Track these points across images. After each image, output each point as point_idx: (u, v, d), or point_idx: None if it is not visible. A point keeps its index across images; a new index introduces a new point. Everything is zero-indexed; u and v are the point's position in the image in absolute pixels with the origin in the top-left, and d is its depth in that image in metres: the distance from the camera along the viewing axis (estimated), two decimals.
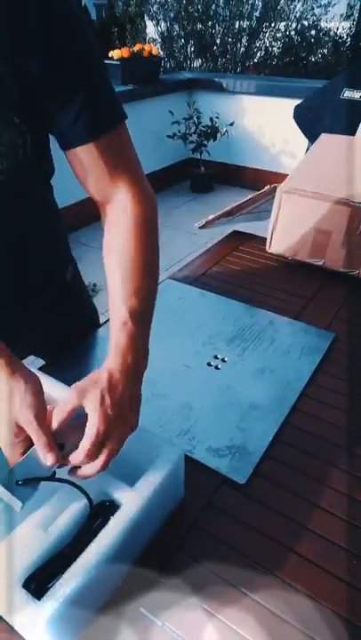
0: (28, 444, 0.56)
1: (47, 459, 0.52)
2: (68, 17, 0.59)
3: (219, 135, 3.88)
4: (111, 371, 0.56)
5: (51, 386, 0.71)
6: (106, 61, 3.99)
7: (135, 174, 0.69)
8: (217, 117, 3.88)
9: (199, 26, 5.64)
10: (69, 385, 0.70)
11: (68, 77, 0.61)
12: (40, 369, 0.86)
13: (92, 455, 0.52)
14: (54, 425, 0.53)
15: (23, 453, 0.55)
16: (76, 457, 0.52)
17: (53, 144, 0.75)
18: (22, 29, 0.56)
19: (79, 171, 0.67)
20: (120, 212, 0.67)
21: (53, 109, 0.63)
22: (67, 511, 0.56)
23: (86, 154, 0.65)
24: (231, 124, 3.88)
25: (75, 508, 0.56)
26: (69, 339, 0.99)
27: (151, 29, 5.96)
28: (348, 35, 5.92)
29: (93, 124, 0.63)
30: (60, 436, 0.54)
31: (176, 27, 5.77)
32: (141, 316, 0.61)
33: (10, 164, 0.63)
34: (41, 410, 0.55)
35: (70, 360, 0.94)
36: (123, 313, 0.59)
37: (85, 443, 0.52)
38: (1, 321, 0.82)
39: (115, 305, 0.61)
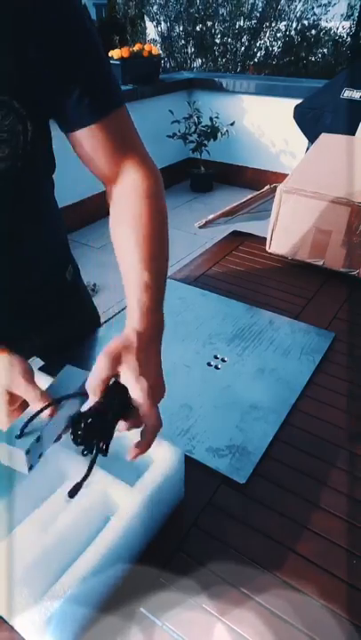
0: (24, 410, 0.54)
1: (44, 414, 0.51)
2: (67, 2, 0.59)
3: (219, 135, 3.88)
4: (140, 332, 0.54)
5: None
6: None
7: (140, 152, 0.71)
8: (217, 117, 3.88)
9: (199, 26, 5.63)
10: None
11: (69, 59, 0.61)
12: (40, 369, 0.86)
13: (154, 420, 0.52)
14: (92, 395, 0.51)
15: None
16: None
17: (56, 141, 0.75)
18: (22, 13, 0.56)
19: (85, 152, 0.68)
20: (129, 187, 0.68)
21: (55, 92, 0.63)
22: None
23: (91, 135, 0.66)
24: (232, 124, 3.88)
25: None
26: (70, 339, 0.99)
27: (152, 30, 5.96)
28: (348, 34, 5.92)
29: (98, 105, 0.64)
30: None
31: (176, 27, 5.77)
32: (160, 280, 0.61)
33: (11, 152, 0.63)
34: (28, 371, 0.53)
35: (71, 361, 0.94)
36: (144, 276, 0.59)
37: (147, 421, 0.51)
38: (1, 321, 0.82)
39: (133, 269, 0.60)
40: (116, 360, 0.52)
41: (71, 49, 0.61)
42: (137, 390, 0.51)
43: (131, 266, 0.61)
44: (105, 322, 1.05)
